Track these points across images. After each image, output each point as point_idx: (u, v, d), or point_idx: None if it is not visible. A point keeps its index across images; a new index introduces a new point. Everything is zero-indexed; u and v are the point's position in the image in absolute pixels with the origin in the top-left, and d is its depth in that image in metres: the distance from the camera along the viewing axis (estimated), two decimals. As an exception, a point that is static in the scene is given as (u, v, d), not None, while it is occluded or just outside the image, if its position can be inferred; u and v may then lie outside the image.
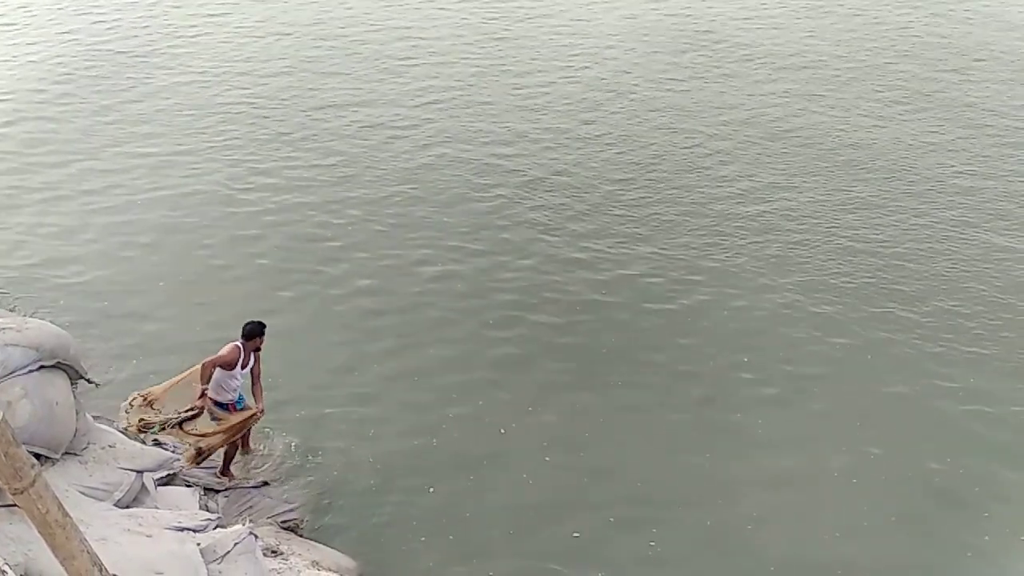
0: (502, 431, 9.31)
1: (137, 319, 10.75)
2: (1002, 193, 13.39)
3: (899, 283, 11.41)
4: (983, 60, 17.98)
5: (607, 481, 8.78)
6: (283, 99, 16.37)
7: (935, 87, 16.78)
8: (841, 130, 15.23)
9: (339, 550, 7.73)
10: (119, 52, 18.41)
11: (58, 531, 3.91)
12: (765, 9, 20.74)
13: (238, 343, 7.94)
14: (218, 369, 7.90)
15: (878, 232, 12.46)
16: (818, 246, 12.15)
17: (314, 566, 7.11)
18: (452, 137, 15.00)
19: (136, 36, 19.40)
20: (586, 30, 20.05)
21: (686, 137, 14.97)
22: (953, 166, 14.07)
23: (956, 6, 20.79)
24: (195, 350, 9.48)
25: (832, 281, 11.46)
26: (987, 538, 8.30)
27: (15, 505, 4.93)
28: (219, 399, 8.03)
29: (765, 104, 16.15)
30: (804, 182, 13.65)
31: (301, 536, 7.85)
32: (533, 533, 8.22)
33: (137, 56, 18.15)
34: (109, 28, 19.77)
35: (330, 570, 7.15)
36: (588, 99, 16.45)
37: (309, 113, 15.86)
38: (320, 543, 7.78)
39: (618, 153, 14.53)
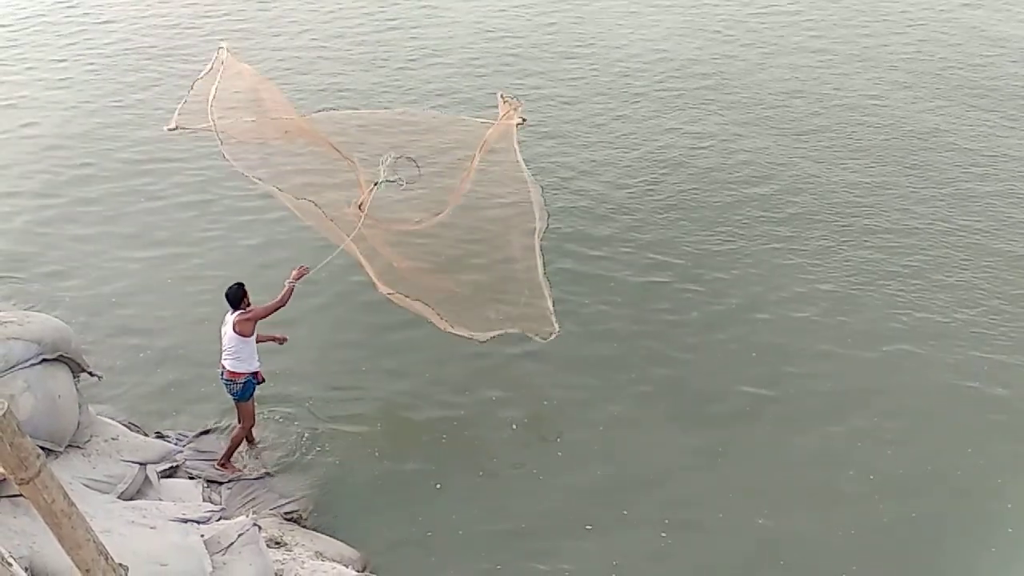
0: (514, 427, 9.51)
1: (140, 313, 11.01)
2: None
3: (926, 290, 11.46)
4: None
5: (619, 475, 8.97)
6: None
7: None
8: (873, 132, 15.21)
9: (343, 541, 7.93)
10: (142, 47, 18.71)
11: (64, 520, 4.11)
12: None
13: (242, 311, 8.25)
14: (238, 338, 8.20)
15: (906, 240, 12.45)
16: (847, 254, 12.14)
17: (318, 557, 7.30)
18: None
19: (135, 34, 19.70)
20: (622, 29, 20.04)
21: (714, 141, 14.94)
22: (987, 173, 14.07)
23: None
24: (198, 344, 9.76)
25: (862, 289, 11.52)
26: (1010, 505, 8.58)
27: (19, 495, 5.19)
28: (247, 369, 8.32)
29: (792, 109, 16.13)
30: (829, 189, 13.63)
31: (304, 527, 8.07)
32: (544, 526, 8.41)
33: (154, 54, 18.39)
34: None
35: (334, 560, 7.33)
36: (605, 97, 16.50)
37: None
38: (324, 534, 7.99)
39: (639, 156, 14.53)
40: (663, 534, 8.34)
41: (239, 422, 8.80)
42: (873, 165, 14.17)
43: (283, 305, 8.40)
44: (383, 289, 9.50)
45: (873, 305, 11.16)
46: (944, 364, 10.26)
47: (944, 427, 9.49)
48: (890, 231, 12.57)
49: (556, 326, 9.59)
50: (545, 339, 9.69)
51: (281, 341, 8.84)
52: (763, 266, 11.86)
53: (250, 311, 8.26)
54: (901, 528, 8.43)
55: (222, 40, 18.01)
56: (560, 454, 9.19)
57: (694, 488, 8.83)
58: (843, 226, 12.69)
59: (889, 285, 11.48)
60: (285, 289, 8.39)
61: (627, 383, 10.07)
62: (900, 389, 9.92)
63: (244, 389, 8.43)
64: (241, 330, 8.19)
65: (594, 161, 14.13)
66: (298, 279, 8.47)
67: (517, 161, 9.31)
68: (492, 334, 9.75)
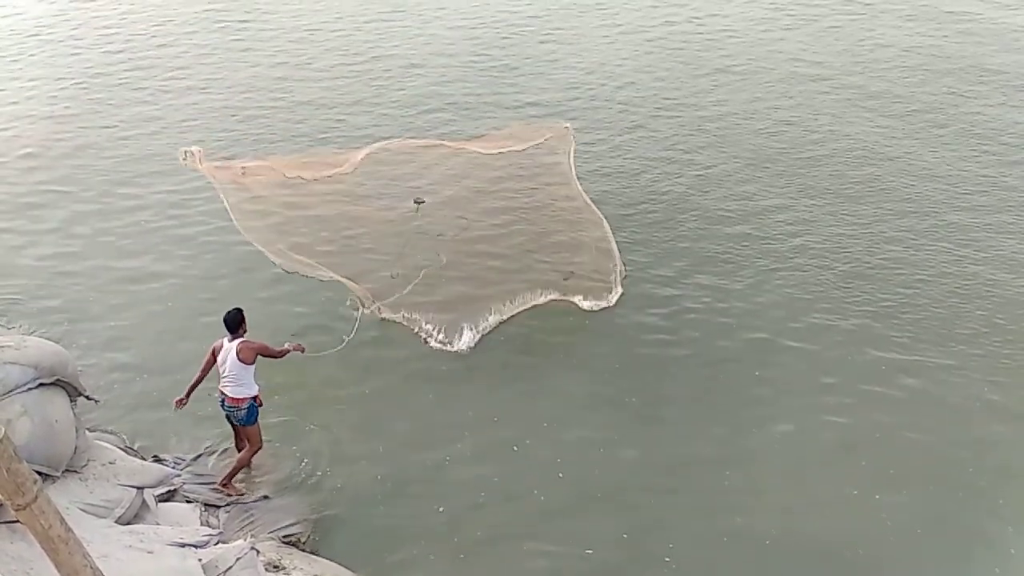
0: (515, 448, 9.51)
1: (137, 338, 11.06)
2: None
3: (928, 324, 11.41)
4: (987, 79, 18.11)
5: (620, 498, 8.94)
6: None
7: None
8: (877, 157, 15.26)
9: (342, 564, 7.90)
10: (141, 78, 18.88)
11: (61, 546, 4.15)
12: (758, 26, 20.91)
13: (243, 338, 8.34)
14: (241, 365, 8.24)
15: (907, 271, 12.42)
16: (851, 287, 12.09)
17: (316, 581, 7.33)
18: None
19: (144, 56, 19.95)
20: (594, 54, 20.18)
21: (715, 173, 14.94)
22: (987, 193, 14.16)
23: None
24: (195, 369, 9.77)
25: (865, 322, 11.45)
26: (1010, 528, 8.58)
27: (16, 521, 5.22)
28: (248, 394, 8.38)
29: (789, 127, 16.23)
30: (830, 223, 13.61)
31: (303, 550, 8.04)
32: (546, 550, 8.38)
33: (154, 86, 18.53)
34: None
35: (332, 584, 7.37)
36: (600, 122, 16.62)
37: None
38: (322, 557, 7.97)
39: (640, 187, 14.56)
40: (667, 558, 8.30)
41: (237, 448, 8.88)
42: (871, 193, 14.20)
43: (278, 358, 8.64)
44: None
45: (875, 338, 11.12)
46: (947, 401, 10.19)
47: (945, 464, 9.40)
48: (892, 265, 12.55)
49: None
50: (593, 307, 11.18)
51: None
52: (767, 298, 11.83)
53: (255, 343, 8.33)
54: (907, 553, 8.43)
55: (219, 59, 18.44)
56: (561, 475, 9.17)
57: (701, 519, 8.76)
58: (845, 261, 12.68)
59: (892, 319, 11.46)
60: (284, 347, 8.71)
61: (631, 409, 10.05)
62: (901, 425, 9.86)
63: (248, 414, 8.46)
64: (244, 357, 8.23)
65: (593, 191, 14.13)
66: (293, 350, 8.83)
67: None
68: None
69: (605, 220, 12.12)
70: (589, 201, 12.29)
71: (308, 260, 10.98)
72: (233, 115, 16.61)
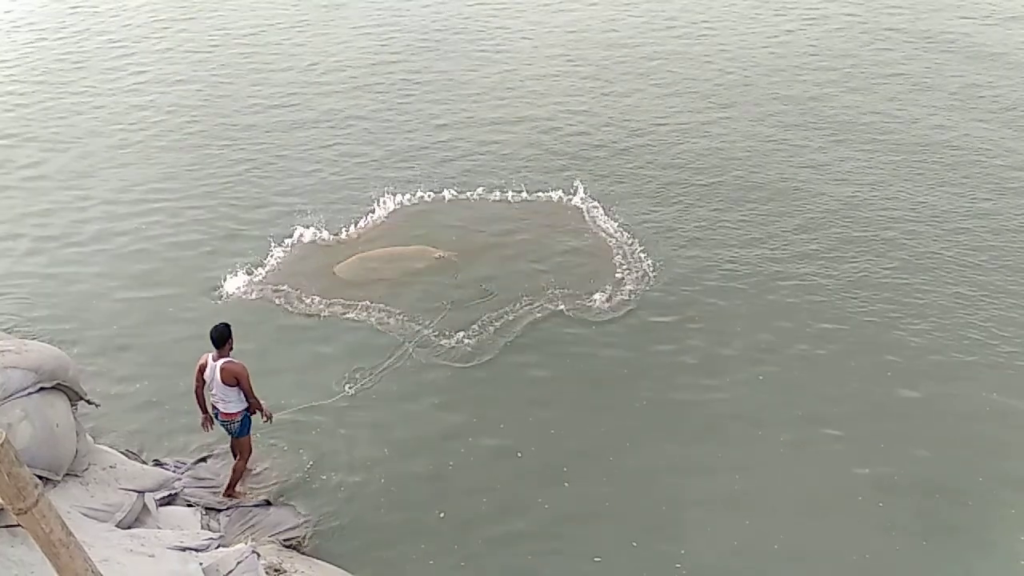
0: (519, 455, 9.54)
1: (138, 342, 11.16)
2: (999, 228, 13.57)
3: (941, 328, 11.43)
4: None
5: (629, 504, 8.95)
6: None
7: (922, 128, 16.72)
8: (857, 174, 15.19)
9: (343, 568, 7.96)
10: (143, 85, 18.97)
11: (62, 551, 4.19)
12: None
13: (228, 358, 8.25)
14: (224, 386, 8.18)
15: (923, 276, 12.44)
16: (865, 293, 12.11)
17: (317, 584, 7.38)
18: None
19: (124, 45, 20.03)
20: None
21: (737, 172, 15.07)
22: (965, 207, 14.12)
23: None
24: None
25: (878, 326, 11.49)
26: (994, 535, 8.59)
27: (17, 526, 5.28)
28: (239, 408, 8.38)
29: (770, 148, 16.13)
30: (841, 225, 13.66)
31: (304, 554, 8.11)
32: (550, 557, 8.41)
33: (152, 90, 18.63)
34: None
35: (333, 588, 7.41)
36: (609, 127, 16.70)
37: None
38: (323, 560, 8.03)
39: (657, 187, 14.67)
40: (677, 564, 8.31)
41: (235, 456, 8.89)
42: (878, 216, 14.05)
43: (249, 399, 8.35)
44: None
45: (887, 343, 11.14)
46: (954, 412, 10.17)
47: (952, 477, 9.39)
48: (905, 269, 12.56)
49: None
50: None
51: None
52: (776, 319, 11.75)
53: (237, 367, 8.14)
54: (914, 558, 8.46)
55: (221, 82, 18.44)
56: (567, 484, 9.18)
57: (708, 521, 8.79)
58: (858, 263, 12.71)
59: (905, 322, 11.47)
60: (259, 400, 8.37)
61: (636, 414, 10.08)
62: (914, 431, 9.88)
63: (242, 426, 8.49)
64: (225, 380, 8.13)
65: (605, 194, 14.24)
66: (261, 410, 8.49)
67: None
68: None
69: (615, 236, 12.89)
70: (600, 221, 13.30)
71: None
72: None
